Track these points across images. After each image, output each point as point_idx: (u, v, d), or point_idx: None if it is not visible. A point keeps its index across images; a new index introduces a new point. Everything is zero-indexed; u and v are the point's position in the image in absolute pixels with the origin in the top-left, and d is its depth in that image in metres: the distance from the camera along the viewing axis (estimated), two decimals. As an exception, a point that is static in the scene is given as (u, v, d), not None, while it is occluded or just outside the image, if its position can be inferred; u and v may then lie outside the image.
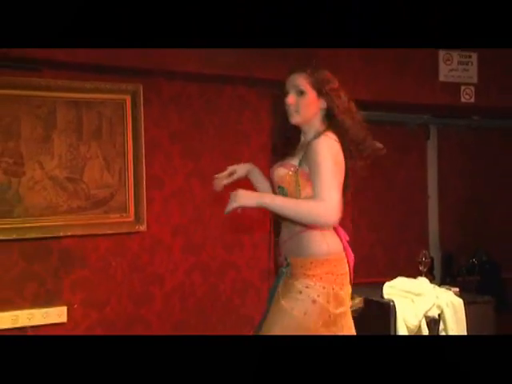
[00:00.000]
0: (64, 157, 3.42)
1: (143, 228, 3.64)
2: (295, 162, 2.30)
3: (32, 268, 3.35)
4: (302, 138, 2.39)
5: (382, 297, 3.24)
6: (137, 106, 3.60)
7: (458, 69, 4.44)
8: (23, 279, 3.34)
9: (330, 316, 2.18)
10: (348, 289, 2.29)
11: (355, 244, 4.15)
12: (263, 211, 4.00)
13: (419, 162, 4.95)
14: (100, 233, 3.53)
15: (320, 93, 2.29)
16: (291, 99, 2.30)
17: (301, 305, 2.17)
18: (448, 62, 4.42)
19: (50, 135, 3.38)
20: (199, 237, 3.84)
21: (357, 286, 3.48)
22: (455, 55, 4.43)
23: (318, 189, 2.13)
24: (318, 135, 2.27)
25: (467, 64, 4.47)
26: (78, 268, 3.48)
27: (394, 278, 3.45)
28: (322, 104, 2.31)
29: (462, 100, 4.48)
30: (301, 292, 2.19)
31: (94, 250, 3.54)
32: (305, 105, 2.29)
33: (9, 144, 3.28)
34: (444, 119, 4.94)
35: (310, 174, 2.21)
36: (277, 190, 2.35)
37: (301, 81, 2.29)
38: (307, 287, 2.19)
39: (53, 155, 3.40)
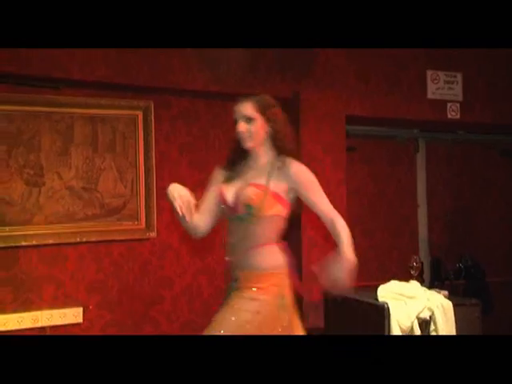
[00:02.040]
0: (80, 168, 3.43)
1: (153, 235, 3.63)
2: (262, 182, 2.25)
3: (51, 272, 3.34)
4: (252, 161, 2.34)
5: (376, 299, 3.21)
6: (148, 121, 3.60)
7: (444, 87, 4.46)
8: (43, 282, 3.33)
9: (280, 325, 2.17)
10: (291, 297, 2.27)
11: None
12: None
13: (409, 173, 4.93)
14: (113, 239, 3.52)
15: (265, 117, 2.29)
16: (241, 127, 2.28)
17: (250, 311, 2.14)
18: (435, 81, 4.43)
19: (67, 148, 3.39)
20: (205, 243, 3.81)
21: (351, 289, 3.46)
22: (442, 75, 4.45)
23: (326, 206, 2.25)
24: (284, 158, 2.28)
25: (453, 83, 4.49)
26: (92, 272, 3.47)
27: (387, 281, 3.42)
28: (268, 128, 2.30)
29: (449, 116, 4.49)
30: (251, 301, 2.16)
31: (108, 255, 3.52)
32: (255, 131, 2.28)
33: (30, 156, 3.28)
34: (432, 133, 4.94)
35: (301, 193, 2.25)
36: (242, 208, 2.23)
37: (248, 109, 2.28)
38: (256, 299, 2.16)
39: (70, 167, 3.40)
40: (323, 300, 3.64)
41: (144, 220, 3.60)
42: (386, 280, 3.50)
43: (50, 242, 3.30)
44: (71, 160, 3.40)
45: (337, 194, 4.01)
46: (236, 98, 3.63)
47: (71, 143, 3.40)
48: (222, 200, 2.30)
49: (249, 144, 2.30)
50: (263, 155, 2.32)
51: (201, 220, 2.31)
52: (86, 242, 3.44)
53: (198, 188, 3.73)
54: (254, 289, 2.18)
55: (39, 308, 3.28)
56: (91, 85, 3.41)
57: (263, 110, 2.29)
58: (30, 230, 3.24)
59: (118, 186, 3.54)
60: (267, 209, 2.22)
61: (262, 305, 2.15)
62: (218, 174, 2.38)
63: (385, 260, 4.74)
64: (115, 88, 3.46)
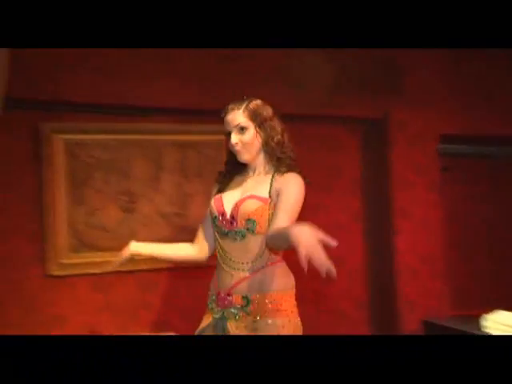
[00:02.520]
0: (171, 194, 3.45)
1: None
2: (264, 194, 2.04)
3: (145, 297, 3.36)
4: (249, 174, 2.15)
5: (479, 330, 2.94)
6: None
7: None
8: (138, 307, 3.35)
9: None
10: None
11: (447, 275, 3.91)
12: (355, 241, 3.86)
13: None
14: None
15: (258, 124, 2.08)
16: (234, 138, 2.08)
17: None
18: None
19: (158, 174, 3.42)
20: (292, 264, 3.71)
21: (452, 319, 3.22)
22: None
23: (284, 214, 1.96)
24: (284, 170, 2.08)
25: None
26: (184, 297, 3.45)
27: (491, 311, 3.14)
28: (263, 137, 2.09)
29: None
30: (272, 327, 1.97)
31: (199, 280, 3.49)
32: (250, 141, 2.07)
33: (123, 183, 3.35)
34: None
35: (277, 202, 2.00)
36: (241, 222, 2.02)
37: (239, 117, 2.07)
38: (278, 324, 1.98)
39: (161, 193, 3.43)
40: (423, 329, 3.41)
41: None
42: (489, 310, 3.23)
43: (144, 267, 3.33)
44: (162, 186, 3.43)
45: (431, 218, 3.78)
46: (322, 118, 3.54)
47: (161, 169, 3.44)
48: (217, 211, 2.09)
49: (244, 157, 2.10)
50: (261, 167, 2.13)
51: (202, 251, 2.22)
52: (178, 268, 3.43)
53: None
54: (269, 320, 1.98)
55: (134, 332, 3.30)
56: (180, 111, 3.44)
57: (256, 117, 2.08)
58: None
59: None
60: (269, 225, 1.99)
61: (284, 325, 1.98)
62: (213, 189, 2.21)
63: (487, 287, 4.37)
64: (202, 113, 3.47)
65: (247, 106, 2.08)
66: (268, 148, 2.10)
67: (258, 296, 2.00)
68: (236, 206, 2.05)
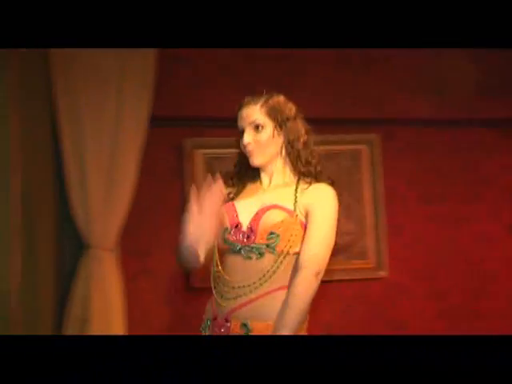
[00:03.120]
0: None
1: (384, 274, 3.38)
2: (288, 206, 1.70)
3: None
4: (266, 180, 1.79)
5: None
6: (374, 154, 3.41)
7: None
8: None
9: None
10: None
11: None
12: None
13: None
14: (342, 278, 3.36)
15: (278, 123, 1.74)
16: (247, 137, 1.73)
17: None
18: None
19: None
20: (442, 282, 3.43)
21: None
22: None
23: (312, 248, 1.65)
24: (309, 179, 1.74)
25: None
26: (321, 312, 3.34)
27: None
28: (281, 137, 1.75)
29: None
30: None
31: (337, 295, 3.36)
32: (266, 142, 1.72)
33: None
34: None
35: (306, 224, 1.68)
36: (261, 236, 1.68)
37: (256, 113, 1.73)
38: None
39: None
40: None
41: (374, 258, 3.38)
42: None
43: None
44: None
45: None
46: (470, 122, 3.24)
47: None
48: (229, 221, 1.72)
49: (257, 160, 1.74)
50: (279, 175, 1.77)
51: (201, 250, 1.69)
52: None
53: (429, 224, 3.45)
54: None
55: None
56: (318, 121, 3.37)
57: (275, 115, 1.73)
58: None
59: (344, 222, 3.39)
60: (294, 243, 1.66)
61: None
62: (219, 190, 1.68)
63: None
64: (339, 123, 3.37)
65: (266, 101, 1.75)
66: (287, 152, 1.75)
67: (259, 325, 1.63)
68: (256, 217, 1.69)
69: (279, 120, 1.74)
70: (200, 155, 3.27)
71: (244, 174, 1.82)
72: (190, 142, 3.25)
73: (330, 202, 1.72)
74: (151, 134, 3.00)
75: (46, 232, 2.82)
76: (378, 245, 3.38)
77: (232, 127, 3.24)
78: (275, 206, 1.69)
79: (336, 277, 3.33)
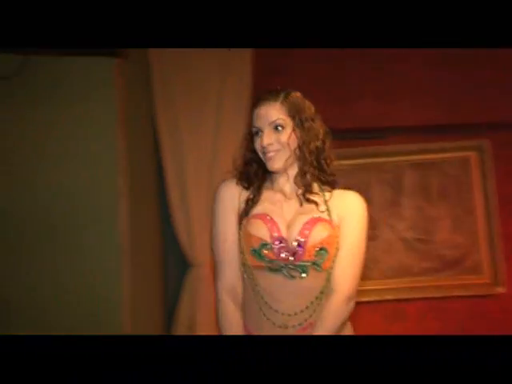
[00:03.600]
0: (412, 218, 3.18)
1: (502, 290, 3.09)
2: (325, 217, 1.54)
3: (389, 329, 3.10)
4: (285, 187, 1.59)
5: None
6: (484, 162, 3.17)
7: None
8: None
9: None
10: None
11: None
12: None
13: None
14: (453, 295, 3.12)
15: (296, 123, 1.56)
16: (268, 138, 1.54)
17: None
18: None
19: (398, 199, 3.19)
20: None
21: None
22: None
23: (355, 259, 1.53)
24: (332, 187, 1.59)
25: None
26: (434, 331, 3.11)
27: None
28: (297, 138, 1.57)
29: None
30: None
31: (450, 313, 3.12)
32: (285, 143, 1.54)
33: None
34: None
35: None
36: (312, 253, 1.51)
37: (276, 112, 1.55)
38: None
39: (402, 218, 3.18)
40: None
41: (489, 273, 3.11)
42: None
43: (388, 297, 3.10)
44: (402, 210, 3.19)
45: None
46: None
47: (401, 193, 3.20)
48: (270, 235, 1.51)
49: (277, 164, 1.55)
50: (297, 181, 1.58)
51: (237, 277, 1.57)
52: (425, 299, 3.12)
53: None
54: None
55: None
56: (417, 129, 3.19)
57: (296, 113, 1.56)
58: (369, 286, 3.10)
59: (453, 235, 3.16)
60: (335, 257, 1.53)
61: None
62: (234, 198, 1.58)
63: None
64: (442, 130, 3.17)
65: (286, 97, 1.57)
66: (304, 155, 1.57)
67: None
68: (305, 231, 1.51)
69: (298, 119, 1.57)
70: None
71: (255, 178, 1.62)
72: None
73: (362, 214, 1.59)
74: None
75: (152, 250, 2.86)
76: (494, 258, 3.11)
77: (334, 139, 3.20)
78: (319, 219, 1.53)
79: (447, 293, 3.12)
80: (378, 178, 3.21)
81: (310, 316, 1.51)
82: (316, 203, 1.55)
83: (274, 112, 1.55)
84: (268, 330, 1.49)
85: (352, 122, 3.16)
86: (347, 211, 1.57)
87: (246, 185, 1.60)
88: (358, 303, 3.11)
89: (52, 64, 2.50)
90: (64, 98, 2.51)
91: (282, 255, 1.50)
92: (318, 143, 1.58)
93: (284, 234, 1.51)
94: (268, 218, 1.52)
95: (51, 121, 2.51)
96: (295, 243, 1.50)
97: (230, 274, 1.56)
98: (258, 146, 1.57)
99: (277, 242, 1.50)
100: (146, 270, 2.74)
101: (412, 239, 3.18)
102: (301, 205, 1.56)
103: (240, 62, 2.94)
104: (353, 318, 3.12)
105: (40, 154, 2.50)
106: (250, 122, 1.61)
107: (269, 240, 1.50)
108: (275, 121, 1.55)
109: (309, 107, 1.61)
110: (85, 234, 2.45)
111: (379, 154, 3.21)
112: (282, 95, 1.58)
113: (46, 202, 2.47)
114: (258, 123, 1.56)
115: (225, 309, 1.53)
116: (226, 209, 1.58)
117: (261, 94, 1.60)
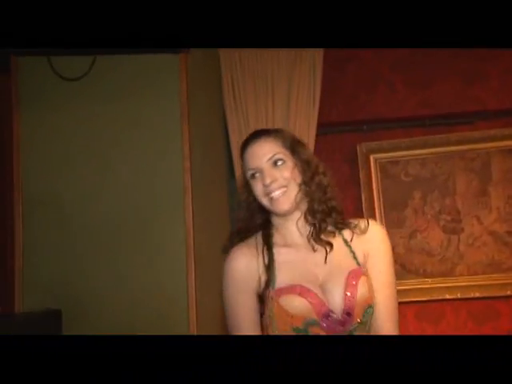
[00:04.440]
0: (502, 210, 2.91)
1: None
2: (354, 265, 1.37)
3: (481, 329, 2.85)
4: (296, 231, 1.40)
5: None
6: None
7: None
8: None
9: None
10: None
11: None
12: None
13: None
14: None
15: (296, 156, 1.40)
16: (270, 176, 1.36)
17: None
18: None
19: (485, 188, 2.93)
20: None
21: None
22: None
23: (392, 301, 1.38)
24: (342, 219, 1.43)
25: None
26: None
27: None
28: (300, 172, 1.41)
29: None
30: None
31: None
32: (291, 178, 1.36)
33: (446, 201, 2.96)
34: None
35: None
36: (360, 315, 1.33)
37: (272, 146, 1.37)
38: None
39: (490, 209, 2.92)
40: None
41: None
42: None
43: (476, 295, 2.85)
44: (491, 201, 2.92)
45: None
46: None
47: (489, 182, 2.93)
48: (317, 312, 1.30)
49: (285, 205, 1.36)
50: (306, 222, 1.40)
51: None
52: (517, 296, 2.85)
53: None
54: None
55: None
56: (507, 114, 2.92)
57: (293, 145, 1.40)
58: (453, 282, 2.87)
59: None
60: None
61: None
62: (250, 269, 1.37)
63: None
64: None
65: (277, 132, 1.43)
66: (312, 191, 1.40)
67: None
68: (350, 298, 1.32)
69: (296, 152, 1.41)
70: (373, 160, 3.02)
71: (257, 229, 1.45)
72: (363, 146, 3.02)
73: (389, 247, 1.43)
74: (321, 140, 2.85)
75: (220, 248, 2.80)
76: None
77: (404, 127, 3.00)
78: (356, 275, 1.34)
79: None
80: (463, 166, 2.96)
81: None
82: (338, 248, 1.39)
83: (269, 147, 1.38)
84: None
85: (433, 108, 2.94)
86: (372, 245, 1.41)
87: (255, 252, 1.40)
88: (442, 300, 2.90)
89: (118, 62, 2.49)
90: (130, 96, 2.49)
91: (331, 328, 1.31)
92: (321, 177, 1.42)
93: (326, 301, 1.32)
94: (298, 288, 1.33)
95: (116, 118, 2.49)
96: (343, 314, 1.32)
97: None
98: (258, 189, 1.39)
99: (324, 318, 1.31)
100: (213, 269, 2.68)
101: (502, 232, 2.90)
102: (334, 255, 1.38)
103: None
104: (438, 318, 2.92)
105: (106, 153, 2.49)
106: (240, 173, 1.47)
107: (315, 317, 1.31)
108: (273, 156, 1.38)
109: (300, 139, 1.48)
110: (149, 233, 2.42)
111: (466, 141, 2.95)
112: (271, 131, 1.44)
113: (111, 200, 2.45)
114: (254, 164, 1.38)
115: None
116: (240, 286, 1.38)
117: (245, 139, 1.44)
